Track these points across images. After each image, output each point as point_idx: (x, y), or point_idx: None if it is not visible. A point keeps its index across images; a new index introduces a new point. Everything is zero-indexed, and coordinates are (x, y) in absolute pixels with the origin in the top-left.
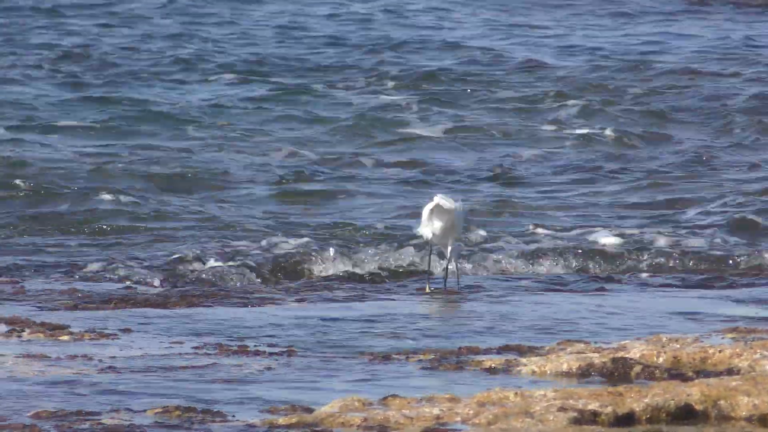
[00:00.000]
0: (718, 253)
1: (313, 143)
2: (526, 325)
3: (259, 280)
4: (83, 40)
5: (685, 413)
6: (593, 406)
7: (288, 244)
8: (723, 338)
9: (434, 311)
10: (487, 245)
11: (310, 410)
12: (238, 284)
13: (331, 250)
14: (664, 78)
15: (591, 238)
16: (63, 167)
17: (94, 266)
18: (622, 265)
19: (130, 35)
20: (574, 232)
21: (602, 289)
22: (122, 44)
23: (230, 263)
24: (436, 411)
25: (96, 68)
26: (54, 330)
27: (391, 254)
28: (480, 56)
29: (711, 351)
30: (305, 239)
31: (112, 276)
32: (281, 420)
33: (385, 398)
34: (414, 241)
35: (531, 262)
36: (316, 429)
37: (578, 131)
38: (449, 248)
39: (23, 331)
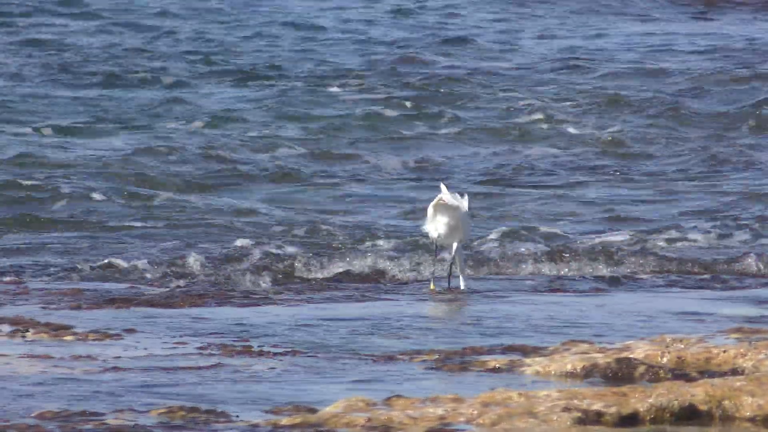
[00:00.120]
0: (721, 253)
1: (314, 141)
2: (530, 326)
3: (263, 280)
4: (103, 41)
5: (689, 413)
6: (597, 406)
7: (291, 244)
8: (727, 338)
9: (438, 311)
10: (490, 245)
11: (313, 410)
12: (242, 284)
13: (335, 250)
14: (670, 78)
15: (594, 238)
16: (66, 165)
17: (97, 266)
18: (625, 266)
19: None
20: (577, 233)
21: (606, 289)
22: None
23: (234, 263)
24: (440, 411)
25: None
26: (58, 330)
27: (395, 254)
28: (493, 55)
29: (715, 351)
30: (308, 239)
31: (116, 276)
32: (285, 420)
33: (389, 398)
34: (419, 241)
35: (534, 262)
36: (320, 429)
37: (581, 131)
38: (454, 247)
39: (27, 331)
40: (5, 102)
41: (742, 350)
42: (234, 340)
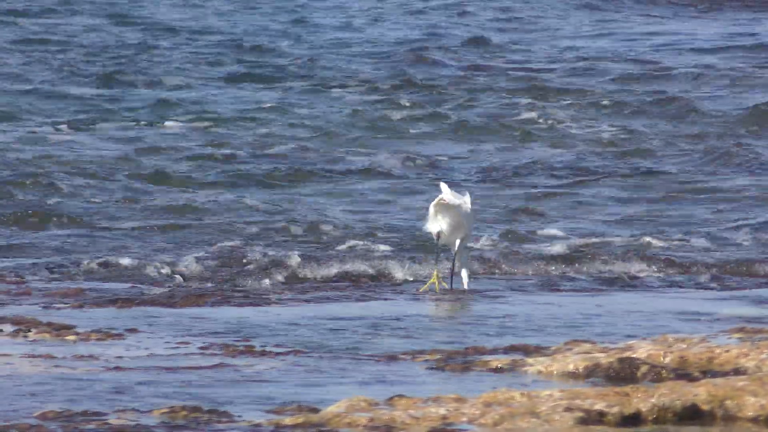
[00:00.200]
0: (724, 253)
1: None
2: (532, 325)
3: (265, 280)
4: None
5: (692, 413)
6: (600, 406)
7: (293, 244)
8: (730, 338)
9: (441, 311)
10: (491, 245)
11: (316, 410)
12: (244, 284)
13: (336, 250)
14: (672, 78)
15: (595, 239)
16: (69, 162)
17: (99, 265)
18: (627, 266)
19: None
20: (579, 233)
21: (608, 289)
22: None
23: (236, 263)
24: (442, 411)
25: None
26: (60, 330)
27: (397, 253)
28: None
29: (718, 351)
30: (310, 239)
31: (118, 275)
32: (287, 420)
33: (391, 398)
34: (421, 240)
35: (536, 262)
36: (323, 429)
37: (584, 131)
38: (456, 246)
39: (29, 331)
40: (11, 100)
41: (744, 350)
42: (236, 340)
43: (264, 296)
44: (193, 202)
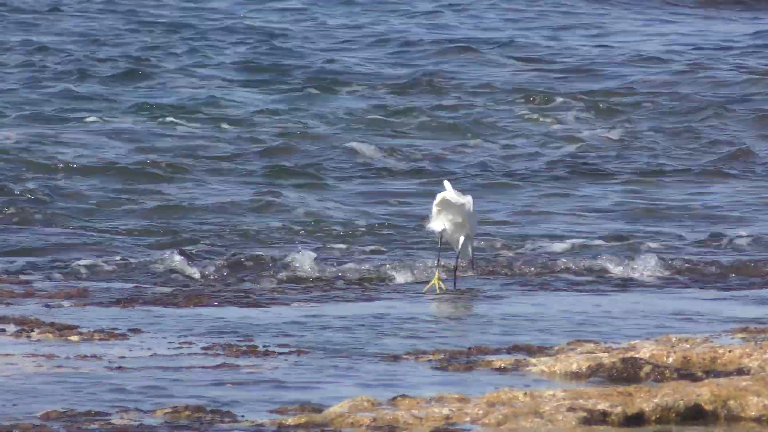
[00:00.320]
0: (727, 254)
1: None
2: (535, 325)
3: (268, 280)
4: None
5: (695, 413)
6: (603, 406)
7: (295, 244)
8: (733, 338)
9: (443, 311)
10: (496, 244)
11: (319, 410)
12: (247, 284)
13: (339, 250)
14: (674, 77)
15: (598, 239)
16: (73, 161)
17: (103, 265)
18: (629, 267)
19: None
20: (581, 233)
21: (611, 289)
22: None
23: (239, 263)
24: (445, 411)
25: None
26: (63, 330)
27: (400, 253)
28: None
29: (721, 351)
30: (312, 239)
31: (121, 276)
32: (290, 420)
33: (394, 398)
34: (424, 240)
35: (539, 262)
36: (326, 429)
37: (586, 132)
38: (459, 246)
39: (32, 331)
40: (32, 99)
41: (747, 350)
42: (239, 340)
43: (267, 296)
44: (194, 202)
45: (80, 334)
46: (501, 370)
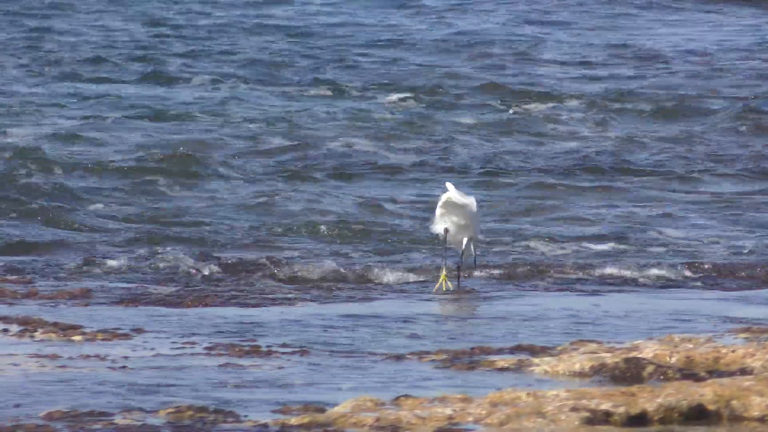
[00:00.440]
0: (730, 254)
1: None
2: (538, 325)
3: (271, 280)
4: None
5: (698, 413)
6: (606, 406)
7: (297, 244)
8: (736, 338)
9: (447, 311)
10: (499, 246)
11: (322, 410)
12: (250, 284)
13: (345, 251)
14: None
15: (598, 239)
16: (76, 161)
17: (107, 265)
18: (632, 267)
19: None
20: (582, 233)
21: (614, 290)
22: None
23: (241, 263)
24: (448, 411)
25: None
26: (66, 330)
27: (402, 254)
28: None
29: (724, 351)
30: (316, 238)
31: (124, 275)
32: (293, 420)
33: (397, 398)
34: (427, 240)
35: (541, 262)
36: (329, 429)
37: (587, 132)
38: (463, 246)
39: (36, 331)
40: (35, 98)
41: (750, 350)
42: (242, 340)
43: (269, 296)
44: (194, 201)
45: (83, 334)
46: (504, 370)
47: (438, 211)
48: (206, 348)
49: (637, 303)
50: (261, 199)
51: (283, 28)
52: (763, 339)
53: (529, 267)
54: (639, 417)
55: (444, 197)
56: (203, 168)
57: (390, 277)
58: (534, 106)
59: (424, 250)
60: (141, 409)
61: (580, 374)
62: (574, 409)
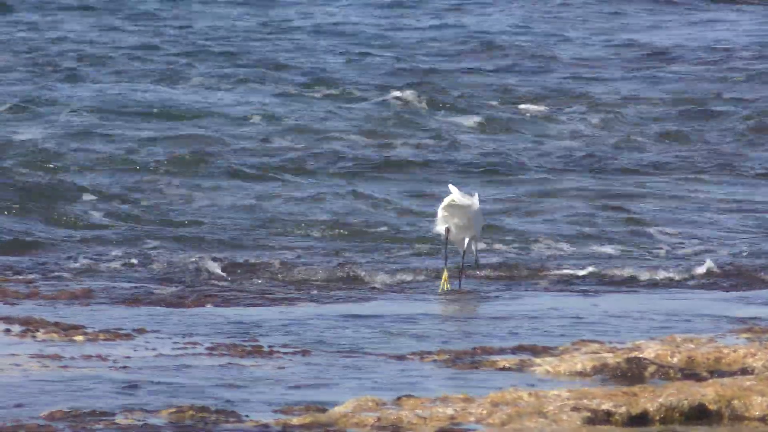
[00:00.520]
0: (732, 254)
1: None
2: (540, 325)
3: (272, 280)
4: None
5: (699, 413)
6: (607, 405)
7: (299, 244)
8: (737, 338)
9: (449, 311)
10: (499, 245)
11: (323, 410)
12: (252, 284)
13: (346, 251)
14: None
15: (599, 239)
16: (82, 161)
17: (108, 265)
18: (633, 267)
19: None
20: (583, 233)
21: (615, 290)
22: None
23: (244, 263)
24: (450, 411)
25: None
26: (68, 330)
27: (404, 254)
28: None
29: (725, 351)
30: (317, 237)
31: (126, 275)
32: (295, 420)
33: (399, 398)
34: (429, 240)
35: (543, 262)
36: (330, 429)
37: (589, 131)
38: (465, 246)
39: (37, 331)
40: (37, 96)
41: (752, 350)
42: (244, 340)
43: (272, 296)
44: (196, 201)
45: (85, 334)
46: (506, 370)
47: (440, 213)
48: (208, 348)
49: (637, 303)
50: (261, 199)
51: (283, 28)
52: (764, 339)
53: (529, 267)
54: (640, 417)
55: (447, 200)
56: (204, 168)
57: (390, 277)
58: (535, 106)
59: (424, 250)
60: (143, 409)
61: (582, 374)
62: (575, 408)
